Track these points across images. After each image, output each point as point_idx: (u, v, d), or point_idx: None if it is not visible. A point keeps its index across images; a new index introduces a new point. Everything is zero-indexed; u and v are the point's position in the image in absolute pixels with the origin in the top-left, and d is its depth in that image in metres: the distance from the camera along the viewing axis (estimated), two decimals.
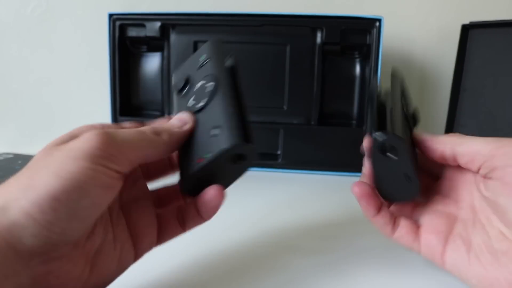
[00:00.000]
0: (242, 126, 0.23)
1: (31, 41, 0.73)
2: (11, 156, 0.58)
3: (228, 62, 0.27)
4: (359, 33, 0.56)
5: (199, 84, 0.26)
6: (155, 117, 0.62)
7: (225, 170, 0.24)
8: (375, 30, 0.55)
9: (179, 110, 0.26)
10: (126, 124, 0.26)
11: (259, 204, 0.44)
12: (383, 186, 0.28)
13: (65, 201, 0.18)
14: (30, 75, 0.74)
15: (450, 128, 0.60)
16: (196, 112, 0.25)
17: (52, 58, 0.74)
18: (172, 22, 0.58)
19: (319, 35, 0.57)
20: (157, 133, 0.23)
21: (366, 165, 0.28)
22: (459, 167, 0.27)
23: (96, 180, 0.19)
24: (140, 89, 0.63)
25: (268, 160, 0.59)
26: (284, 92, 0.58)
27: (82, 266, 0.21)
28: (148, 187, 0.26)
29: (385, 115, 0.28)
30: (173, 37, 0.59)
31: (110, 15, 0.58)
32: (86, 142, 0.20)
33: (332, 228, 0.38)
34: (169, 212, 0.26)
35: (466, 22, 0.58)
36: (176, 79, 0.29)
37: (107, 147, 0.20)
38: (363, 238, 0.35)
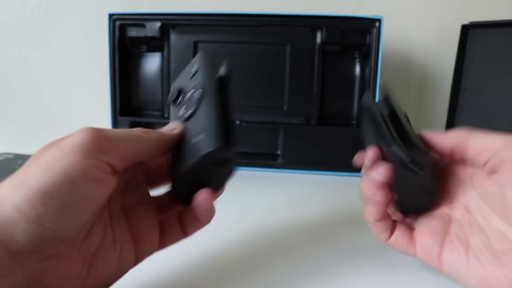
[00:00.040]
0: (224, 130, 0.23)
1: (31, 41, 0.73)
2: (11, 156, 0.58)
3: (222, 69, 0.28)
4: (359, 33, 0.56)
5: (189, 94, 0.27)
6: (155, 117, 0.62)
7: (212, 174, 0.24)
8: (375, 30, 0.55)
9: (172, 120, 0.27)
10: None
11: (259, 204, 0.44)
12: (400, 199, 0.28)
13: (55, 195, 0.18)
14: (30, 75, 0.74)
15: (450, 128, 0.60)
16: (185, 120, 0.26)
17: (52, 58, 0.74)
18: (172, 22, 0.58)
19: (319, 35, 0.57)
20: (147, 132, 0.24)
21: (365, 180, 0.28)
22: (451, 169, 0.27)
23: (86, 173, 0.19)
24: (140, 89, 0.63)
25: (268, 160, 0.59)
26: (284, 92, 0.58)
27: (79, 266, 0.21)
28: (150, 193, 0.27)
29: (401, 128, 0.27)
30: (173, 37, 0.59)
31: (110, 15, 0.59)
32: (76, 137, 0.20)
33: (332, 228, 0.38)
34: (171, 217, 0.26)
35: (466, 22, 0.58)
36: (171, 91, 0.30)
37: (97, 140, 0.20)
38: (362, 238, 0.35)
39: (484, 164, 0.25)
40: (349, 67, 0.59)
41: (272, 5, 0.68)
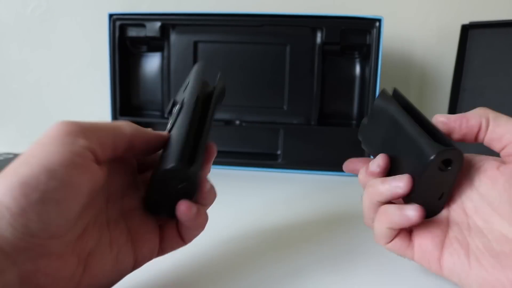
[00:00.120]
0: (188, 150, 0.24)
1: (31, 41, 0.73)
2: (11, 156, 0.58)
3: (218, 82, 0.29)
4: (359, 33, 0.56)
5: (177, 107, 0.27)
6: (155, 117, 0.62)
7: (177, 190, 0.24)
8: (375, 30, 0.55)
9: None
10: None
11: (258, 204, 0.44)
12: (414, 202, 0.26)
13: (35, 185, 0.18)
14: (30, 75, 0.74)
15: None
16: (169, 131, 0.26)
17: (52, 58, 0.74)
18: (172, 22, 0.58)
19: (319, 35, 0.57)
20: (129, 123, 0.24)
21: (366, 194, 0.27)
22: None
23: (64, 160, 0.19)
24: (140, 89, 0.63)
25: (268, 160, 0.59)
26: (284, 92, 0.58)
27: (74, 265, 0.21)
28: None
29: (428, 126, 0.26)
30: (173, 37, 0.59)
31: (110, 15, 0.59)
32: (53, 129, 0.21)
33: (331, 228, 0.38)
34: (170, 224, 0.26)
35: (466, 22, 0.58)
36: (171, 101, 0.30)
37: (73, 127, 0.21)
38: (362, 238, 0.35)
39: (500, 150, 0.25)
40: (349, 67, 0.59)
41: (272, 5, 0.68)
